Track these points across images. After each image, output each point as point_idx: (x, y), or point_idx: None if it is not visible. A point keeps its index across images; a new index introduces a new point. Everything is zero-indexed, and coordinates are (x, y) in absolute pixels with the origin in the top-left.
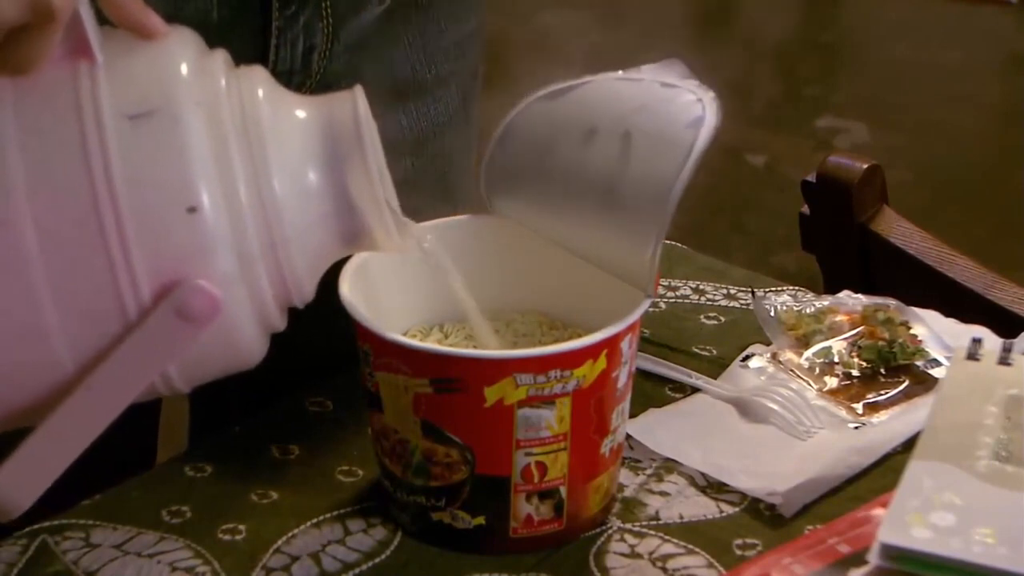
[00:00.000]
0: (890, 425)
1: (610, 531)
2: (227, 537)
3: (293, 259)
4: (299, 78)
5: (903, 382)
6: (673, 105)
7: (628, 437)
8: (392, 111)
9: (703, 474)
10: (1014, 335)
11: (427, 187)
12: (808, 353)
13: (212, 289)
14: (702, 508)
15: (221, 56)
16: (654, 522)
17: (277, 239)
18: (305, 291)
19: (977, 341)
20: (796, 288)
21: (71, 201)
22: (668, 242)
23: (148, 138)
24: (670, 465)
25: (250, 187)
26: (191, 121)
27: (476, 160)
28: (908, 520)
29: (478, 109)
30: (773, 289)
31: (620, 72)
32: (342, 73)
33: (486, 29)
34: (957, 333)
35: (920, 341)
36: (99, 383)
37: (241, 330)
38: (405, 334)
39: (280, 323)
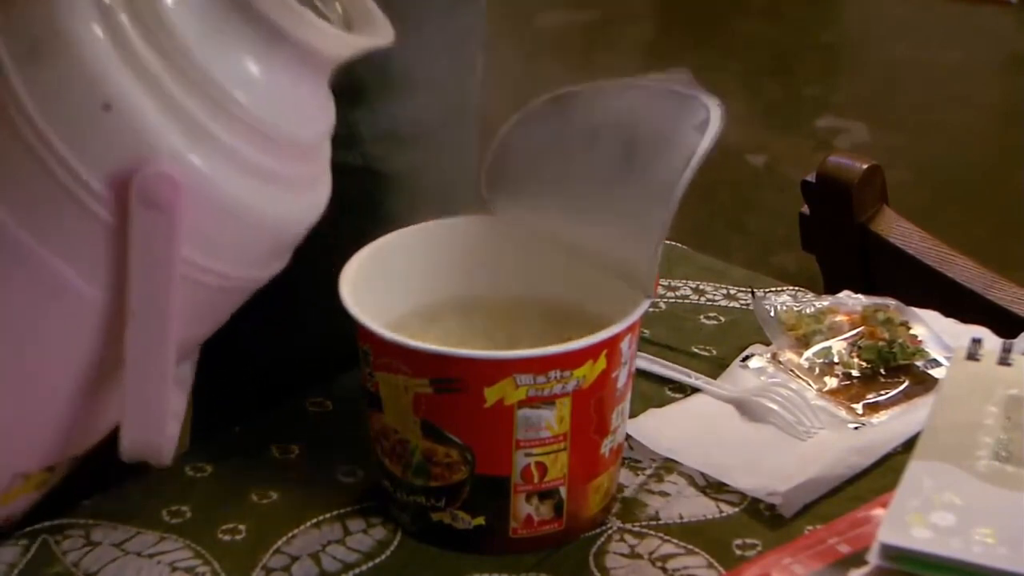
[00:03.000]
0: (890, 425)
1: (610, 531)
2: (227, 537)
3: (230, 94)
4: None
5: (903, 382)
6: (677, 110)
7: (628, 437)
8: (384, 106)
9: (703, 474)
10: (1014, 335)
11: (425, 183)
12: (808, 353)
13: (165, 168)
14: (702, 508)
15: None
16: (654, 522)
17: (203, 84)
18: (281, 128)
19: (977, 341)
20: (796, 288)
21: None
22: (668, 242)
23: (47, 64)
24: (670, 465)
25: (158, 53)
26: (83, 37)
27: (478, 159)
28: (908, 520)
29: (478, 107)
30: (773, 289)
31: (626, 79)
32: None
33: (485, 28)
34: (957, 333)
35: (920, 341)
36: (137, 304)
37: (233, 192)
38: (404, 324)
39: (281, 165)
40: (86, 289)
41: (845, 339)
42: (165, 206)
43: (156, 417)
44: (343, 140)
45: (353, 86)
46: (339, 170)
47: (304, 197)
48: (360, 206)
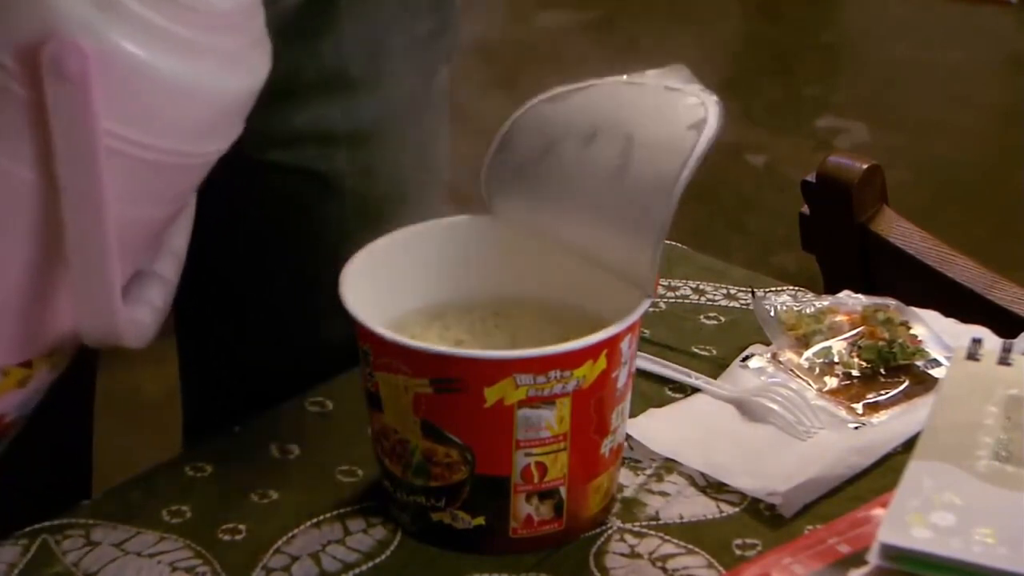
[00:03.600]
0: (890, 425)
1: (610, 531)
2: (227, 537)
3: None
4: None
5: (903, 382)
6: (675, 108)
7: (628, 437)
8: (323, 101)
9: (703, 474)
10: (1014, 335)
11: (374, 186)
12: (808, 353)
13: (73, 39)
14: (702, 508)
15: None
16: (654, 522)
17: None
18: None
19: (977, 341)
20: (796, 288)
21: None
22: (668, 242)
23: None
24: (670, 465)
25: None
26: None
27: (441, 163)
28: (908, 520)
29: (443, 112)
30: (773, 289)
31: (624, 76)
32: None
33: (457, 36)
34: (957, 333)
35: (920, 341)
36: (67, 180)
37: (151, 63)
38: (404, 323)
39: (200, 36)
40: (15, 170)
41: (845, 339)
42: (76, 77)
43: (103, 294)
44: (280, 139)
45: (288, 83)
46: (276, 169)
47: (232, 69)
48: (302, 207)
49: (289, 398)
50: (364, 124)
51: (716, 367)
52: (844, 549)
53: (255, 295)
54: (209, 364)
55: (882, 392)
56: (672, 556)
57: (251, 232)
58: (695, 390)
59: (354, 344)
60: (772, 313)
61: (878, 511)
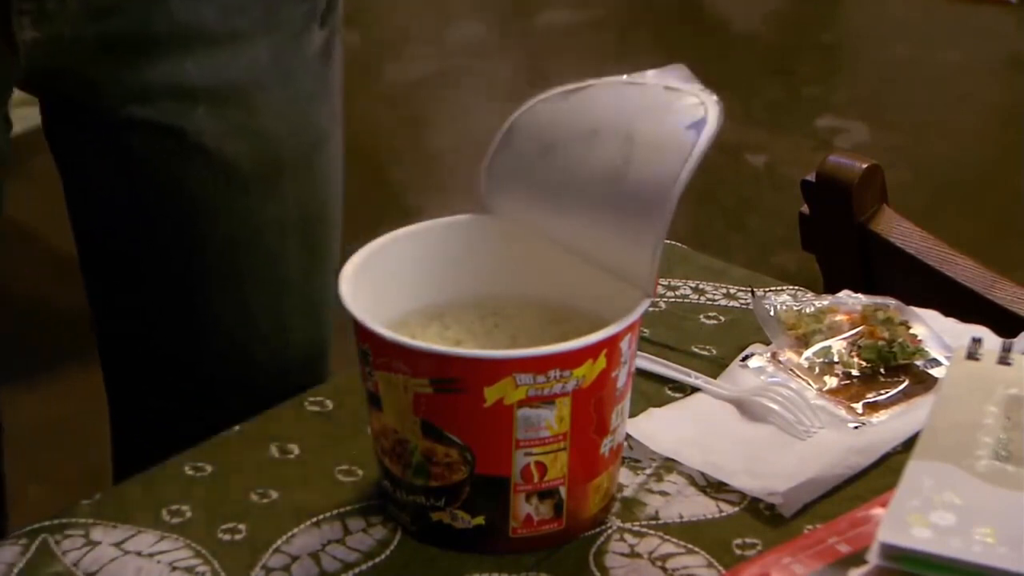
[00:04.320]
0: (890, 425)
1: (610, 531)
2: (227, 537)
3: None
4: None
5: (903, 382)
6: (675, 108)
7: (628, 437)
8: (176, 56)
9: (703, 474)
10: (1014, 335)
11: (234, 141)
12: (808, 353)
13: None
14: (702, 508)
15: None
16: (654, 522)
17: None
18: None
19: (977, 341)
20: (796, 288)
21: None
22: (668, 242)
23: None
24: (670, 465)
25: None
26: None
27: (325, 133)
28: (908, 520)
29: (325, 75)
30: (773, 289)
31: (624, 76)
32: (108, 5)
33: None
34: (957, 333)
35: (920, 341)
36: None
37: None
38: (404, 323)
39: None
40: None
41: (845, 339)
42: None
43: None
44: (135, 93)
45: (138, 36)
46: (133, 126)
47: None
48: (162, 165)
49: (291, 397)
50: (223, 80)
51: (716, 367)
52: (844, 549)
53: (142, 270)
54: (127, 354)
55: (882, 392)
56: (672, 556)
57: (116, 196)
58: (695, 390)
59: (253, 346)
60: (772, 313)
61: (878, 511)
